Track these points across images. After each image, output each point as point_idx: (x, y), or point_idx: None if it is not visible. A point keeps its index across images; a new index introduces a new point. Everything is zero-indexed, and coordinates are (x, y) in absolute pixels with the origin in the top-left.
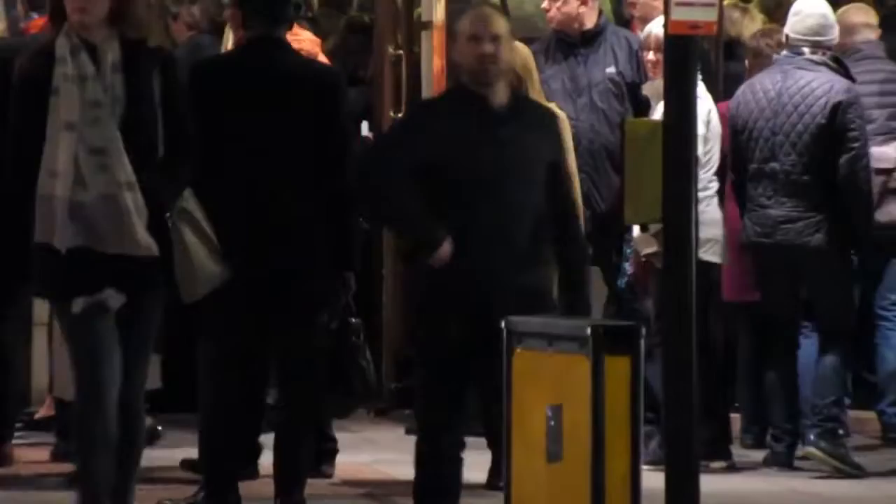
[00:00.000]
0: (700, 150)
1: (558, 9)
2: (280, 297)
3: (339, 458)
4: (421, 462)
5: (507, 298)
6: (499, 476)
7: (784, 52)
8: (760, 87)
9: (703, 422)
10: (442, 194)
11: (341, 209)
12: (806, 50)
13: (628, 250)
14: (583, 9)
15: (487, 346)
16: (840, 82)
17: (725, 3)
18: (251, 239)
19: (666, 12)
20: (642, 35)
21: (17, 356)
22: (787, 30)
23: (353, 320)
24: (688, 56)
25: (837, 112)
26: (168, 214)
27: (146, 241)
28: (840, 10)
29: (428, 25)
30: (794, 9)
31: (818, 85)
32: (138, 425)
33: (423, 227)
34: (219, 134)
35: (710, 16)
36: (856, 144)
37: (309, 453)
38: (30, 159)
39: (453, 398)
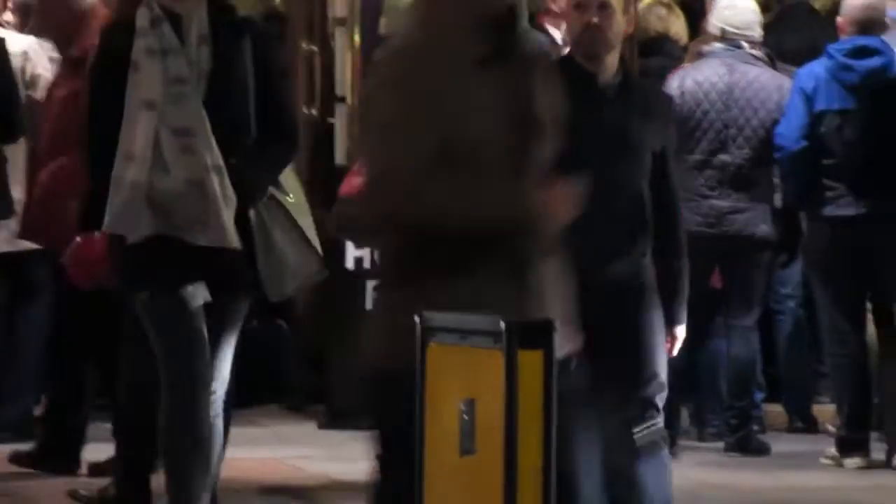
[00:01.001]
0: None
1: None
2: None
3: (252, 453)
4: None
5: (599, 294)
6: None
7: (718, 45)
8: (705, 79)
9: None
10: None
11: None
12: (745, 45)
13: None
14: None
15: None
16: (785, 79)
17: (648, 1)
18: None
19: None
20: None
21: None
22: (719, 22)
23: (281, 322)
24: None
25: None
26: (254, 203)
27: (233, 233)
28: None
29: (342, 21)
30: (726, 2)
31: (767, 80)
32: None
33: None
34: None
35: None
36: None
37: (223, 449)
38: (108, 142)
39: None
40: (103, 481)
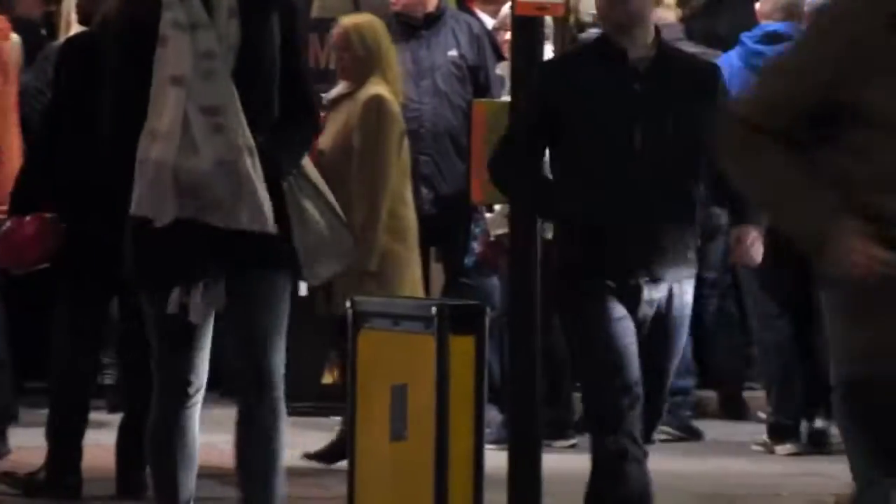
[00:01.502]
0: None
1: None
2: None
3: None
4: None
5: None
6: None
7: (594, 31)
8: None
9: (548, 402)
10: (572, 156)
11: None
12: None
13: (477, 229)
14: None
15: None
16: None
17: None
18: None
19: None
20: (500, 15)
21: None
22: (587, 8)
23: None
24: (534, 37)
25: None
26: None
27: (269, 215)
28: None
29: None
30: None
31: None
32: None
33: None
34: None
35: None
36: None
37: None
38: (132, 120)
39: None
40: (33, 465)
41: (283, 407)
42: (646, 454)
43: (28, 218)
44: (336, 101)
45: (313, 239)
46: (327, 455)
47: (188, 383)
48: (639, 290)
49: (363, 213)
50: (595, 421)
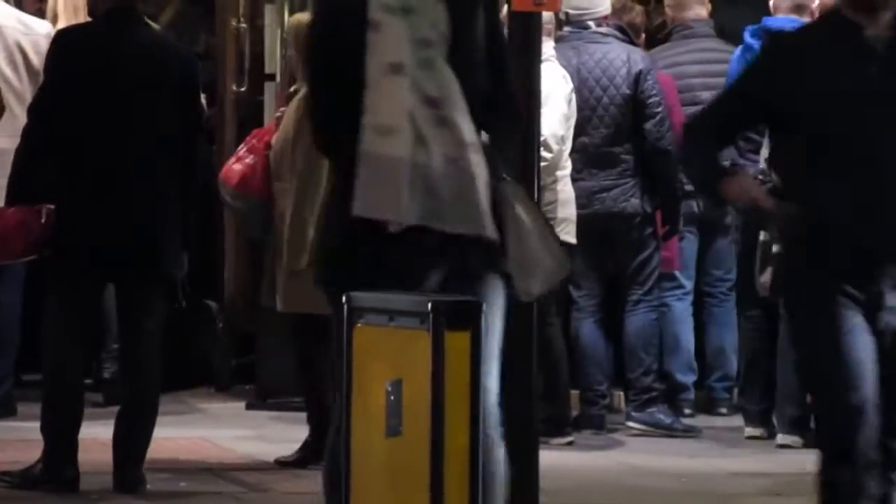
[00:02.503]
0: (561, 129)
1: None
2: (131, 270)
3: (179, 432)
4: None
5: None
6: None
7: (567, 29)
8: (560, 65)
9: (545, 398)
10: (799, 154)
11: (188, 188)
12: (591, 24)
13: None
14: None
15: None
16: (635, 51)
17: None
18: (102, 213)
19: None
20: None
21: None
22: (563, 7)
23: (211, 303)
24: (531, 32)
25: (639, 80)
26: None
27: (490, 220)
28: None
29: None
30: None
31: (614, 57)
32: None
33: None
34: (79, 106)
35: None
36: (659, 109)
37: (151, 428)
38: (338, 111)
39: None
40: (32, 459)
41: (497, 437)
42: (891, 484)
43: (11, 209)
44: (291, 96)
45: (526, 251)
46: (301, 461)
47: None
48: (881, 297)
49: (298, 207)
50: (826, 446)
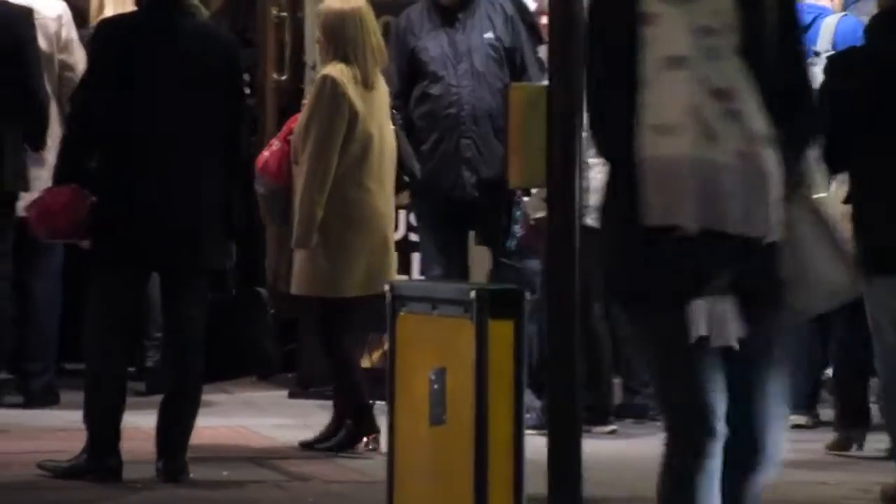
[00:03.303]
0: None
1: None
2: (174, 260)
3: (222, 421)
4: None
5: None
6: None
7: None
8: None
9: (587, 387)
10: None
11: (235, 179)
12: None
13: (518, 213)
14: None
15: None
16: None
17: None
18: (147, 202)
19: None
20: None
21: None
22: None
23: (260, 290)
24: (572, 20)
25: None
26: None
27: (778, 222)
28: None
29: None
30: None
31: None
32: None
33: None
34: (122, 95)
35: None
36: None
37: (194, 417)
38: (619, 111)
39: None
40: (72, 453)
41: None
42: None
43: (61, 188)
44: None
45: (809, 262)
46: (322, 439)
47: (709, 423)
48: None
49: (307, 187)
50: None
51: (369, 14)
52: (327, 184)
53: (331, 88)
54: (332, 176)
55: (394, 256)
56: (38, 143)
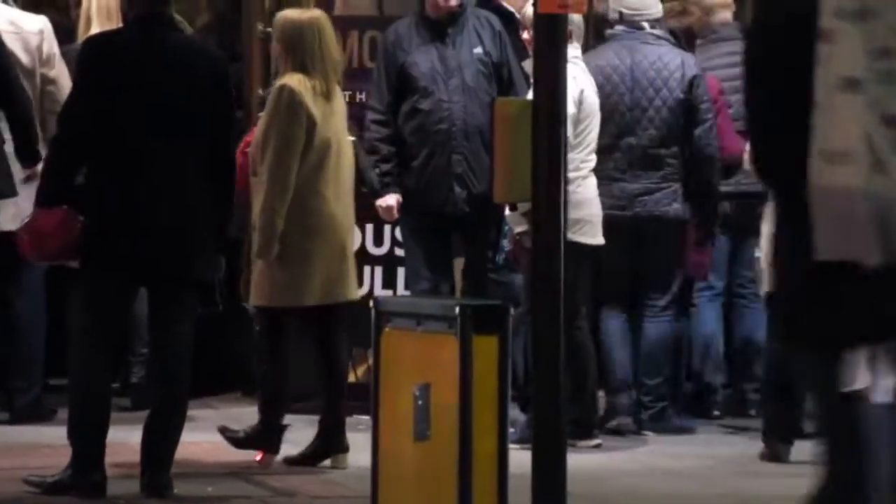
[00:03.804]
0: (570, 130)
1: None
2: (163, 272)
3: (207, 437)
4: None
5: None
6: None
7: (619, 28)
8: (607, 63)
9: (572, 400)
10: None
11: (224, 191)
12: (645, 25)
13: (506, 227)
14: None
15: None
16: (688, 57)
17: None
18: (136, 217)
19: None
20: (524, 13)
21: None
22: (616, 6)
23: (247, 305)
24: (556, 34)
25: (693, 85)
26: None
27: None
28: None
29: (298, 2)
30: None
31: (669, 60)
32: None
33: None
34: (110, 111)
35: None
36: (709, 115)
37: (179, 432)
38: (780, 136)
39: None
40: (57, 469)
41: None
42: None
43: (52, 209)
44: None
45: None
46: (310, 457)
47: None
48: None
49: (268, 198)
50: None
51: (327, 25)
52: (288, 193)
53: (288, 97)
54: (293, 185)
55: (352, 265)
56: (31, 156)
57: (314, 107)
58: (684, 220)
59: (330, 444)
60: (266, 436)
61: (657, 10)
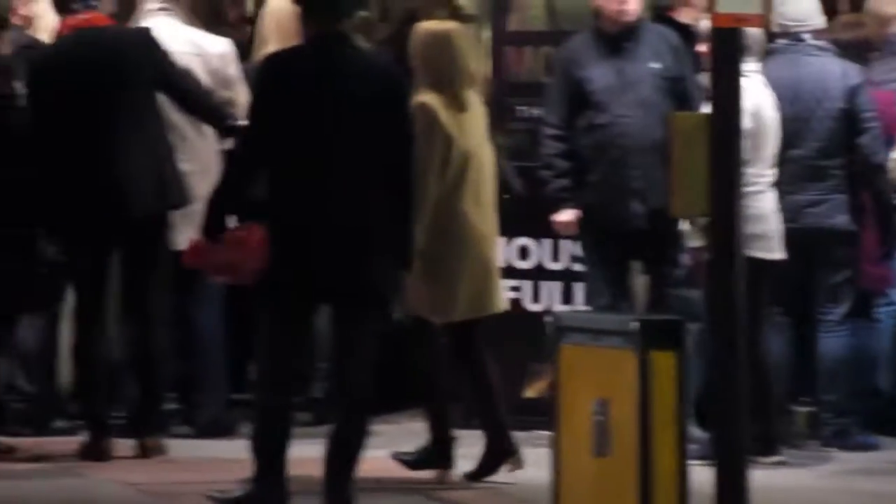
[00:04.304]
0: (746, 144)
1: (624, 3)
2: (346, 295)
3: (384, 453)
4: None
5: None
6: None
7: (780, 41)
8: (770, 77)
9: (754, 416)
10: None
11: (405, 208)
12: (807, 36)
13: (685, 242)
14: (637, 3)
15: None
16: (851, 66)
17: None
18: (318, 236)
19: (710, 5)
20: (700, 26)
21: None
22: (778, 18)
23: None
24: (733, 49)
25: (854, 95)
26: None
27: None
28: (871, 1)
29: (472, 18)
30: None
31: (830, 70)
32: None
33: None
34: (288, 131)
35: (755, 8)
36: (873, 124)
37: (362, 447)
38: None
39: None
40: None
41: None
42: None
43: (251, 224)
44: None
45: None
46: (483, 471)
47: None
48: None
49: None
50: None
51: (461, 35)
52: (426, 210)
53: (424, 115)
54: (432, 202)
55: (497, 276)
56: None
57: (449, 122)
58: (852, 231)
59: (497, 453)
60: (437, 453)
61: (818, 20)
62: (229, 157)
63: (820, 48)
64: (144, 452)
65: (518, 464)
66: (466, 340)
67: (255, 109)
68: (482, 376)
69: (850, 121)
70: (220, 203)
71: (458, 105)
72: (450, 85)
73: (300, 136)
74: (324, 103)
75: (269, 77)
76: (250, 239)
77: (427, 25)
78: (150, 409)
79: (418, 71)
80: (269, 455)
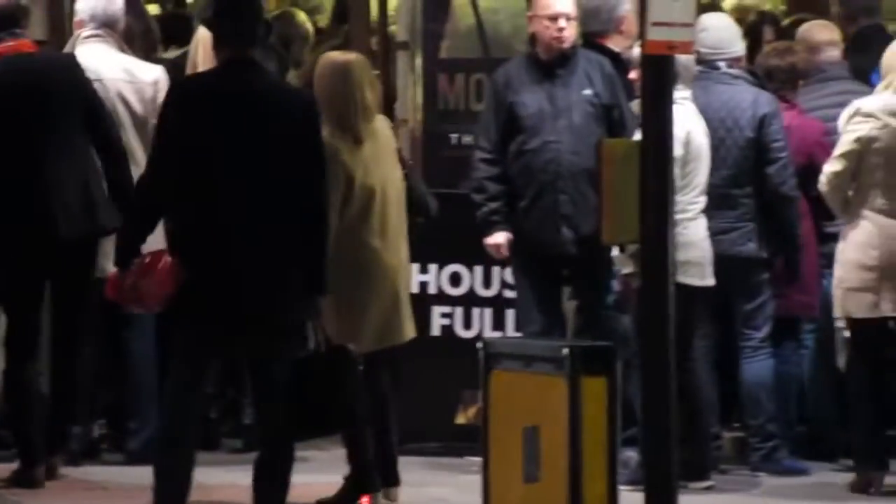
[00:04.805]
0: (677, 171)
1: (561, 31)
2: (257, 324)
3: (314, 478)
4: None
5: None
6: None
7: (697, 68)
8: None
9: (684, 441)
10: None
11: (316, 232)
12: (722, 64)
13: (615, 268)
14: (572, 30)
15: None
16: (764, 95)
17: None
18: (227, 264)
19: (642, 32)
20: (632, 54)
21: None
22: (695, 45)
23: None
24: (664, 76)
25: (764, 124)
26: None
27: None
28: (803, 27)
29: (405, 45)
30: (700, 24)
31: (741, 99)
32: None
33: None
34: (196, 156)
35: (686, 35)
36: (782, 154)
37: (288, 474)
38: None
39: None
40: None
41: None
42: None
43: (160, 252)
44: None
45: None
46: (338, 500)
47: None
48: None
49: None
50: None
51: (356, 67)
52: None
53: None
54: (334, 236)
55: (406, 307)
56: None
57: (350, 159)
58: (762, 258)
59: (359, 486)
60: (360, 479)
61: (735, 49)
62: (138, 184)
63: (734, 76)
64: (52, 474)
65: (393, 498)
66: (374, 370)
67: (161, 135)
68: (380, 407)
69: (759, 150)
70: (129, 231)
71: (357, 138)
72: (347, 118)
73: (205, 160)
74: (227, 128)
75: (173, 103)
76: (156, 265)
77: (328, 57)
78: (60, 431)
79: (320, 104)
80: (169, 488)
